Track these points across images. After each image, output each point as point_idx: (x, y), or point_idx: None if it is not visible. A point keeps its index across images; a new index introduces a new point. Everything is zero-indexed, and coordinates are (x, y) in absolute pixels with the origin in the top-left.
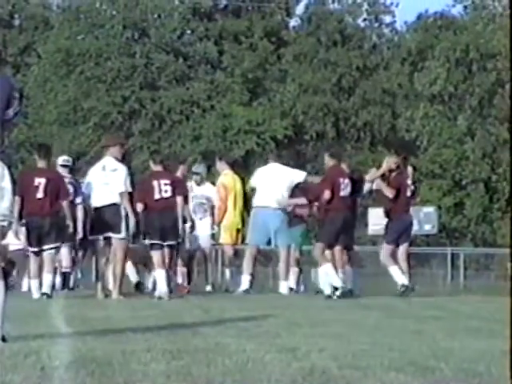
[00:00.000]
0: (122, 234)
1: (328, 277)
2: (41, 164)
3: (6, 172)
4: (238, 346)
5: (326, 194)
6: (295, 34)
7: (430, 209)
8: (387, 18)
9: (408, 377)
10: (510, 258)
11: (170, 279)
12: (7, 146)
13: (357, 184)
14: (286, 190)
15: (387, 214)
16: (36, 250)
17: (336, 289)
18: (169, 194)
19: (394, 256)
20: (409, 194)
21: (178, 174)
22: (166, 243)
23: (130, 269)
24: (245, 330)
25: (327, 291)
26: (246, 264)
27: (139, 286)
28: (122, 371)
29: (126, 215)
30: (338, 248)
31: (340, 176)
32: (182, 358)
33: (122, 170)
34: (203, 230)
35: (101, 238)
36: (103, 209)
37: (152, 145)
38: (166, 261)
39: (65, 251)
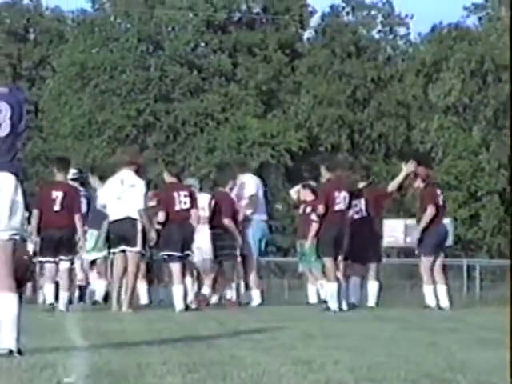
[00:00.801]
0: (138, 248)
1: (331, 295)
2: (59, 177)
3: (19, 186)
4: (254, 358)
5: (320, 208)
6: (309, 46)
7: (445, 220)
8: (401, 30)
9: None
10: (510, 267)
11: (186, 293)
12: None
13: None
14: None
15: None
16: (51, 259)
17: (328, 308)
18: (188, 205)
19: (432, 270)
20: (441, 203)
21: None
22: (184, 254)
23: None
24: (260, 342)
25: (333, 306)
26: (253, 278)
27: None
28: None
29: (142, 230)
30: (328, 259)
31: (336, 189)
32: (197, 370)
33: (141, 185)
34: (202, 242)
35: (116, 251)
36: (119, 222)
37: (167, 157)
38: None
39: (80, 265)
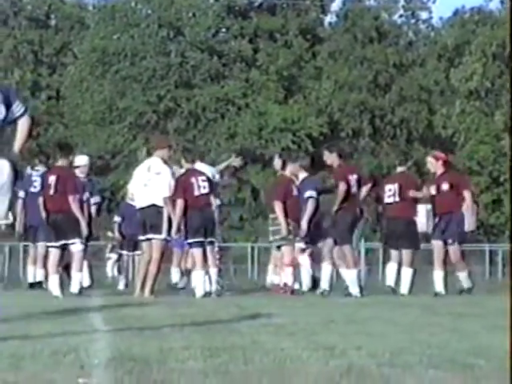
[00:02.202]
0: (163, 235)
1: (352, 281)
2: (60, 163)
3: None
4: (275, 343)
5: (342, 186)
6: (331, 31)
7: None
8: (423, 14)
9: (447, 374)
10: (510, 256)
11: (210, 278)
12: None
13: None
14: None
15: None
16: (55, 244)
17: (349, 294)
18: (207, 190)
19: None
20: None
21: (287, 172)
22: (208, 240)
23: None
24: (281, 327)
25: (354, 292)
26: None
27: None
28: (160, 369)
29: (168, 217)
30: (347, 247)
31: (349, 173)
32: (219, 355)
33: (167, 173)
34: None
35: (143, 239)
36: (145, 210)
37: (187, 143)
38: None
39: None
